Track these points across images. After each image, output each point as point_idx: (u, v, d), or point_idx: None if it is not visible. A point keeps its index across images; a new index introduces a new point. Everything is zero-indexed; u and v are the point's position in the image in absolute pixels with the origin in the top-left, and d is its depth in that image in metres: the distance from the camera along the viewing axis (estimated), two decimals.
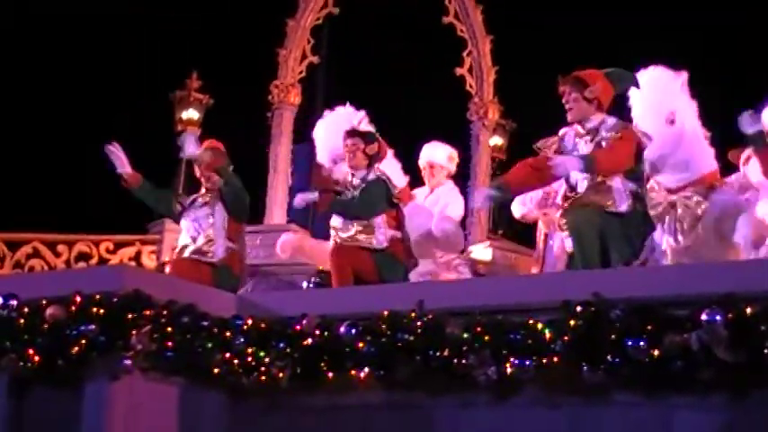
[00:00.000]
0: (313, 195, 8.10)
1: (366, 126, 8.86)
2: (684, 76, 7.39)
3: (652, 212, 7.12)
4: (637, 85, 7.24)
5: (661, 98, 7.25)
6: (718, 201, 7.13)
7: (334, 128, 8.91)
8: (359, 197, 7.90)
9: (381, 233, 7.79)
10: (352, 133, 8.20)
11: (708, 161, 7.34)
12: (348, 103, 9.17)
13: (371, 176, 7.96)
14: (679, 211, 7.07)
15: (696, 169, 7.20)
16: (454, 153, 9.65)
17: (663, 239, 7.19)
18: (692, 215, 7.04)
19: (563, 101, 7.06)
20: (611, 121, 6.99)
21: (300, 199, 8.25)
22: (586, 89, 7.00)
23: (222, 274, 7.80)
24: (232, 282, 7.76)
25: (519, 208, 8.31)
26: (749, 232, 6.92)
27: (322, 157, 9.04)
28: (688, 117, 7.32)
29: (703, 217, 7.03)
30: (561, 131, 7.14)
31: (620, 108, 7.32)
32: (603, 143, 6.87)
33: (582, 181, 6.91)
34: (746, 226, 6.94)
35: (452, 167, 9.55)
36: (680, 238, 7.15)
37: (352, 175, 8.07)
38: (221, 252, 7.92)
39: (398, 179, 8.92)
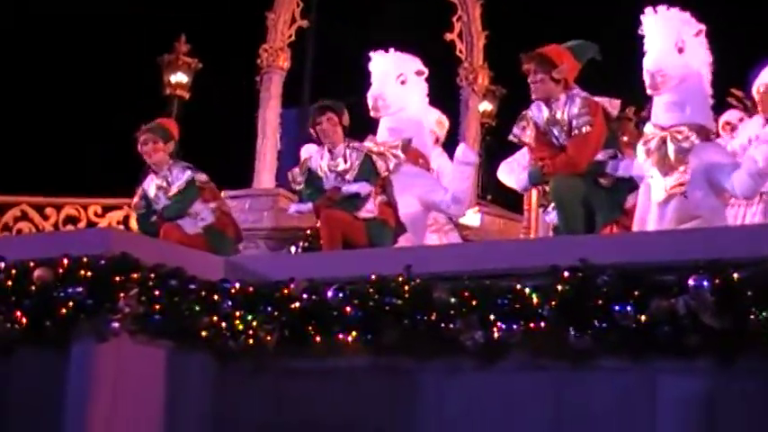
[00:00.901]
0: (306, 206, 7.88)
1: (423, 82, 8.85)
2: (701, 26, 7.36)
3: (644, 147, 7.15)
4: (598, 55, 7.27)
5: (672, 28, 7.21)
6: (706, 147, 7.11)
7: (387, 66, 8.84)
8: (359, 184, 7.66)
9: (371, 202, 7.73)
10: (325, 108, 7.86)
11: (706, 114, 7.32)
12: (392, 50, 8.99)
13: (357, 154, 7.74)
14: (669, 144, 7.07)
15: (692, 115, 7.17)
16: (444, 118, 9.63)
17: (653, 175, 7.20)
18: (680, 148, 7.04)
19: (528, 79, 7.04)
20: (578, 101, 6.99)
21: (295, 209, 8.10)
22: (554, 69, 7.00)
23: (215, 238, 7.76)
24: (226, 242, 7.74)
25: (507, 177, 8.32)
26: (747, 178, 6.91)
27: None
28: (698, 61, 7.28)
29: (691, 158, 7.02)
30: (525, 112, 7.15)
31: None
32: (575, 131, 6.93)
33: None
34: (745, 175, 6.94)
35: (441, 133, 9.53)
36: (668, 172, 7.15)
37: (330, 153, 7.81)
38: (208, 215, 7.89)
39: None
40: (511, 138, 7.24)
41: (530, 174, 7.22)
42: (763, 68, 8.17)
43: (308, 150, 8.41)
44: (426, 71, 8.97)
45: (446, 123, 9.69)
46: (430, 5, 13.44)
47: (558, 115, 7.00)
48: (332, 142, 7.78)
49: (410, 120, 8.74)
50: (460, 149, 8.66)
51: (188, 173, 7.94)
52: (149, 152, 8.03)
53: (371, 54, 8.96)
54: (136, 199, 8.18)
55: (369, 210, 7.68)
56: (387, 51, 8.96)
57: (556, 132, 7.01)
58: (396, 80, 8.83)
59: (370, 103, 8.70)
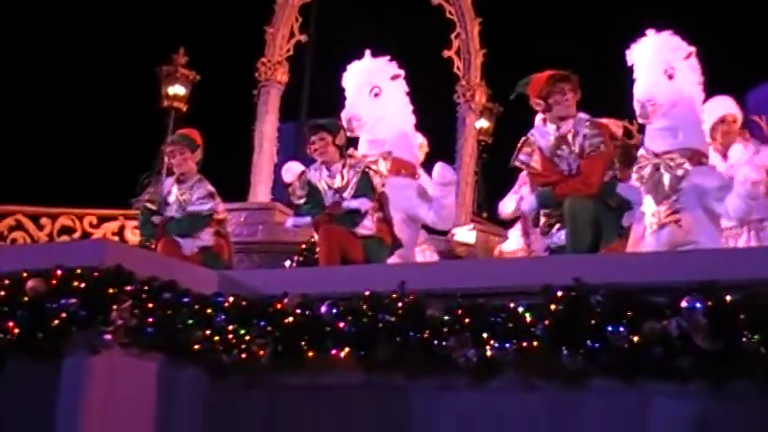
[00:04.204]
0: (305, 220, 7.83)
1: (401, 84, 8.77)
2: (691, 48, 7.37)
3: (637, 174, 7.16)
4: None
5: (661, 54, 7.23)
6: (699, 173, 7.12)
7: (358, 80, 8.78)
8: (358, 200, 7.62)
9: (369, 219, 7.71)
10: (316, 127, 7.85)
11: (699, 138, 7.33)
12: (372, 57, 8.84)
13: (354, 171, 7.70)
14: (662, 172, 7.08)
15: (685, 140, 7.19)
16: (424, 141, 9.59)
17: (646, 202, 7.21)
18: (673, 176, 7.06)
19: (562, 97, 7.04)
20: (587, 123, 7.02)
21: (293, 223, 8.04)
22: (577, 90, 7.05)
23: (210, 260, 7.71)
24: (219, 267, 7.67)
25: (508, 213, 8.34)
26: (740, 203, 6.91)
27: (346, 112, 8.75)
28: (688, 84, 7.29)
29: (684, 184, 7.03)
30: (528, 135, 7.16)
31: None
32: (586, 149, 6.94)
33: None
34: (736, 198, 6.94)
35: (421, 156, 9.49)
36: (662, 200, 7.16)
37: (328, 170, 7.80)
38: (208, 238, 7.83)
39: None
40: (517, 164, 7.21)
41: (539, 195, 7.16)
42: (758, 93, 8.20)
43: (289, 170, 8.38)
44: (402, 73, 8.83)
45: (426, 147, 9.64)
46: (429, 23, 13.46)
47: (570, 138, 7.01)
48: (326, 161, 7.78)
49: (389, 129, 8.65)
50: (437, 169, 8.57)
51: (210, 204, 7.89)
52: (179, 163, 8.02)
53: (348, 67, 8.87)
54: (150, 193, 8.12)
55: (367, 227, 7.66)
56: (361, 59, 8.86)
57: (564, 156, 7.01)
58: (369, 95, 8.70)
59: (344, 123, 8.57)
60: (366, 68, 8.80)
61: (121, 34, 15.96)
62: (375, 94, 8.71)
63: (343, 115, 8.56)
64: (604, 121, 7.18)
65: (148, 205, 8.09)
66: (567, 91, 7.07)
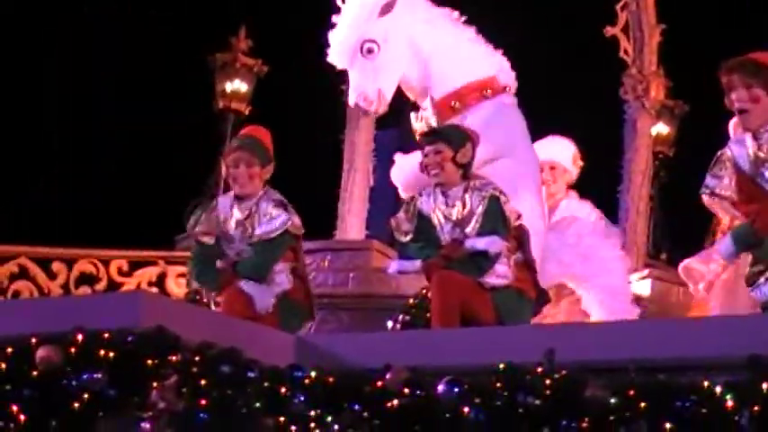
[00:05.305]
0: (413, 265, 7.81)
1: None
2: None
3: None
4: None
5: None
6: None
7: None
8: (487, 239, 7.59)
9: (502, 263, 7.69)
10: (432, 136, 7.96)
11: None
12: None
13: (480, 197, 7.67)
14: None
15: None
16: (578, 154, 9.64)
17: None
18: None
19: (733, 97, 6.97)
20: None
21: (397, 269, 8.03)
22: None
23: (287, 313, 7.73)
24: (298, 318, 7.72)
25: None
26: None
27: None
28: None
29: None
30: (723, 151, 7.08)
31: None
32: None
33: None
34: None
35: (575, 172, 9.53)
36: None
37: (444, 195, 7.77)
38: (285, 280, 7.81)
39: None
40: (704, 195, 7.13)
41: (735, 235, 7.11)
42: None
43: (401, 170, 8.48)
44: None
45: (580, 161, 9.71)
46: None
47: None
48: (441, 183, 7.78)
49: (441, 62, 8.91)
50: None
51: (282, 215, 7.79)
52: (242, 178, 7.92)
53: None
54: (203, 222, 7.99)
55: (500, 274, 7.67)
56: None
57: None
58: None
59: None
60: None
61: (163, 13, 16.18)
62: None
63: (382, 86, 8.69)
64: None
65: (203, 239, 7.96)
66: (737, 87, 6.98)
